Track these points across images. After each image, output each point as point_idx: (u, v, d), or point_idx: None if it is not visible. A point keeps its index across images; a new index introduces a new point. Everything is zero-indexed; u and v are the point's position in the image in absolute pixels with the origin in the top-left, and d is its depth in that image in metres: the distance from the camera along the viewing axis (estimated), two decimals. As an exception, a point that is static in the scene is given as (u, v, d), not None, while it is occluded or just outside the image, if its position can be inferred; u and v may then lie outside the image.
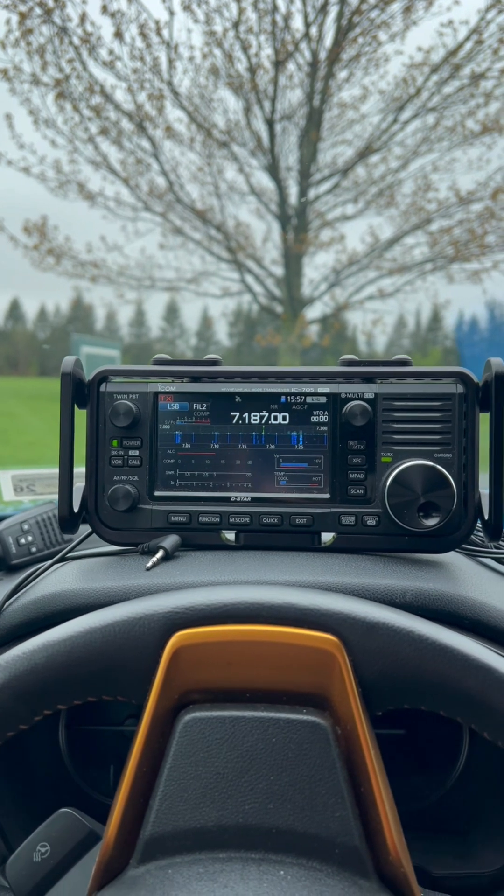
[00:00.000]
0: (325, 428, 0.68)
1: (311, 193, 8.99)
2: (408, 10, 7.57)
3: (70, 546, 0.71)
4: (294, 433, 0.69)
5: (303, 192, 8.84)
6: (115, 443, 0.69)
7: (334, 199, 9.08)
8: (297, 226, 9.01)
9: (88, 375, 0.70)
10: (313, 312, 9.68)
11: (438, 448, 0.67)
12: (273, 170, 8.79)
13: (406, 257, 9.05)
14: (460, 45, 7.65)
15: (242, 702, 0.47)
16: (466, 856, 0.72)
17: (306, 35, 8.01)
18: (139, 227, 9.31)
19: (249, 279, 9.38)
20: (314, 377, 0.69)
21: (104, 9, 7.39)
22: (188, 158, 9.94)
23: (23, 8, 7.21)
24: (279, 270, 9.25)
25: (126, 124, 8.28)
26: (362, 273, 9.26)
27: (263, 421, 0.69)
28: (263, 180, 9.45)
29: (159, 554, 0.64)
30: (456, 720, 0.46)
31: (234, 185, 9.04)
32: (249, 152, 8.76)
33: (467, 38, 7.58)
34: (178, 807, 0.44)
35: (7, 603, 0.65)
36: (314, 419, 0.68)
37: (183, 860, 0.43)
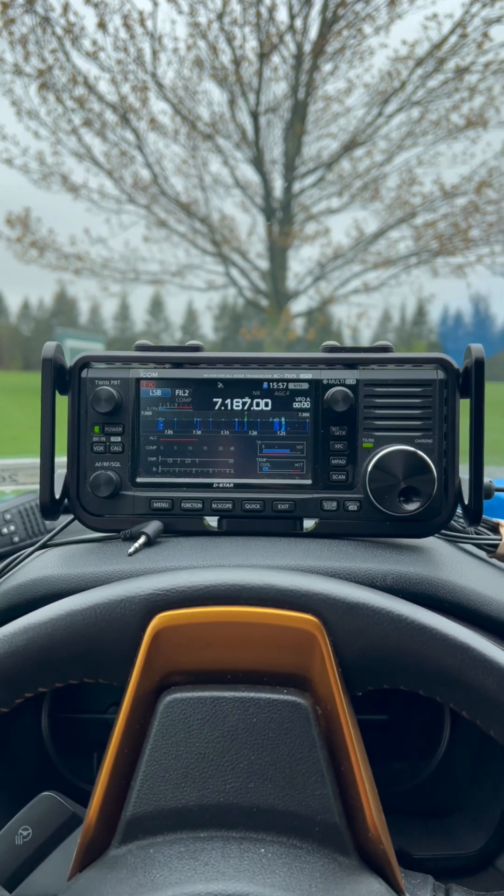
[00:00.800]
0: (307, 414, 0.69)
1: (296, 187, 8.99)
2: (392, 2, 7.57)
3: (52, 533, 0.71)
4: (276, 419, 0.69)
5: (288, 185, 8.83)
6: (96, 429, 0.68)
7: (319, 193, 9.09)
8: (281, 219, 9.01)
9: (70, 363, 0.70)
10: (298, 306, 9.70)
11: (419, 434, 0.67)
12: (258, 163, 8.78)
13: (391, 251, 9.08)
14: (445, 39, 7.67)
15: (224, 683, 0.47)
16: (447, 837, 0.73)
17: (291, 27, 8.00)
18: (123, 219, 9.26)
19: (234, 272, 9.38)
20: (296, 363, 0.69)
21: (87, -1, 7.33)
22: (172, 151, 9.90)
23: (5, -3, 7.13)
24: (264, 264, 9.25)
25: (110, 116, 8.24)
26: (347, 267, 9.29)
27: (246, 407, 0.69)
28: (248, 173, 9.42)
29: (141, 540, 0.64)
30: (435, 699, 0.47)
31: (219, 177, 9.04)
32: (234, 145, 8.74)
33: (451, 32, 7.60)
34: (159, 787, 0.44)
35: (-12, 590, 0.64)
36: (296, 405, 0.69)
37: (164, 839, 0.43)
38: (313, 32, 8.09)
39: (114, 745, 0.46)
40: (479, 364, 0.65)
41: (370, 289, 9.25)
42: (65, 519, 0.73)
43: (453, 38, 7.63)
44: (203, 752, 0.45)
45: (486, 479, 0.70)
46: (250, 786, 0.44)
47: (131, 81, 8.02)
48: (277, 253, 8.98)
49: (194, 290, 9.93)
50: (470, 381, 0.66)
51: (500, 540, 0.74)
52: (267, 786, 0.44)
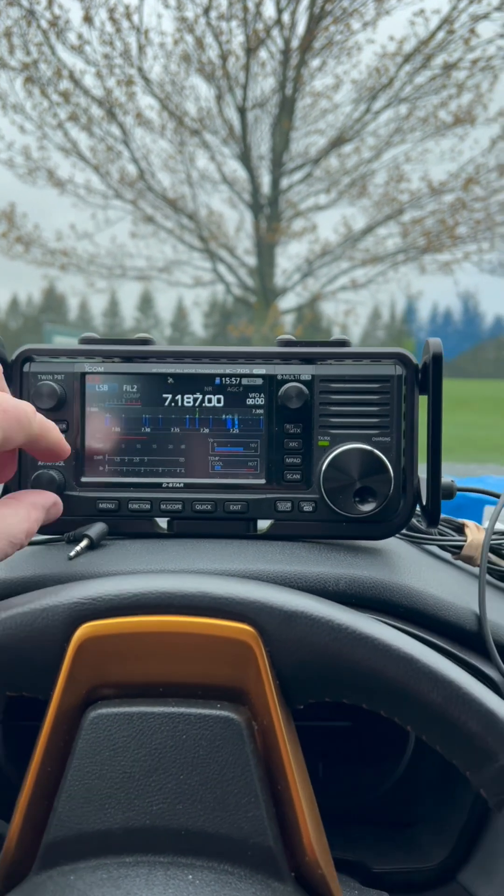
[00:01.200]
0: (261, 411, 0.66)
1: (284, 183, 8.96)
2: (380, -2, 7.55)
3: (-6, 535, 0.68)
4: (229, 416, 0.66)
5: (275, 181, 8.80)
6: None
7: (307, 189, 9.06)
8: (269, 215, 8.97)
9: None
10: (287, 302, 9.67)
11: (377, 431, 0.65)
12: (245, 158, 8.73)
13: (378, 248, 9.07)
14: (432, 35, 7.66)
15: (155, 696, 0.44)
16: (409, 849, 0.70)
17: (278, 22, 7.96)
18: (110, 215, 9.22)
19: (222, 269, 9.34)
20: (250, 358, 0.66)
21: (73, -8, 7.27)
22: (159, 146, 9.85)
23: (-11, -10, 7.06)
24: (252, 260, 9.21)
25: (96, 110, 8.18)
26: (335, 263, 9.27)
27: (197, 403, 0.66)
28: (236, 169, 9.38)
29: (83, 542, 0.61)
30: (380, 713, 0.44)
31: (206, 173, 9.00)
32: (221, 140, 8.70)
33: (439, 28, 7.59)
34: (81, 809, 0.41)
35: None
36: (250, 402, 0.66)
37: (87, 865, 0.41)
38: (301, 27, 8.07)
39: (35, 764, 0.43)
40: (437, 359, 0.62)
41: (358, 285, 9.24)
42: None
43: (441, 34, 7.63)
44: (129, 772, 0.42)
45: (447, 479, 0.67)
46: (178, 807, 0.41)
47: (117, 76, 7.96)
48: (265, 249, 8.95)
49: (181, 286, 9.88)
50: (428, 377, 0.63)
51: (465, 541, 0.71)
52: (196, 807, 0.41)
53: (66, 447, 0.56)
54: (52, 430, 0.53)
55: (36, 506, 0.58)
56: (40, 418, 0.53)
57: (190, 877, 0.40)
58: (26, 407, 0.50)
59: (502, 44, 7.56)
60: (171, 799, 0.41)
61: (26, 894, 0.40)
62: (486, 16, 7.34)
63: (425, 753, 0.74)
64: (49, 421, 0.53)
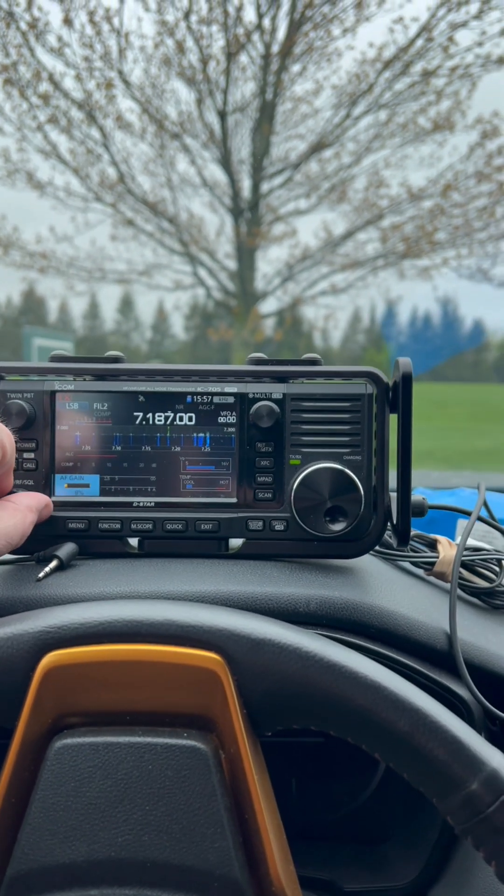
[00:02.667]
0: (232, 429, 0.66)
1: (264, 187, 8.97)
2: (359, 5, 7.59)
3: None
4: (200, 435, 0.66)
5: (255, 185, 8.82)
6: None
7: (287, 194, 9.08)
8: (249, 220, 8.98)
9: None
10: (267, 307, 9.68)
11: (348, 450, 0.65)
12: (225, 163, 8.74)
13: (358, 253, 9.11)
14: (411, 43, 7.71)
15: (122, 725, 0.44)
16: (381, 867, 0.70)
17: (259, 27, 7.98)
18: (90, 217, 9.14)
19: (202, 272, 9.33)
20: (222, 376, 0.66)
21: (52, -6, 7.23)
22: (140, 149, 9.78)
23: (-33, -9, 7.01)
24: (232, 264, 9.21)
25: (76, 113, 8.14)
26: (315, 268, 9.29)
27: (168, 422, 0.66)
28: (216, 173, 9.37)
29: (52, 563, 0.60)
30: (347, 741, 0.44)
31: (187, 177, 8.98)
32: (202, 144, 8.69)
33: (418, 36, 7.64)
34: (45, 841, 0.41)
35: None
36: (221, 420, 0.66)
37: None
38: (281, 33, 8.08)
39: (-1, 795, 0.42)
40: (407, 378, 0.63)
41: (338, 290, 9.27)
42: None
43: (420, 42, 7.68)
44: (94, 803, 0.41)
45: (418, 497, 0.67)
46: (144, 839, 0.41)
47: (97, 79, 7.93)
48: (245, 253, 8.95)
49: (162, 289, 9.85)
50: (398, 395, 0.63)
51: (437, 557, 0.72)
52: (162, 838, 0.41)
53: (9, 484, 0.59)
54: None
55: (31, 508, 0.59)
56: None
57: (155, 909, 0.39)
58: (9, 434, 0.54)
59: (480, 52, 7.59)
60: (137, 830, 0.41)
61: (-11, 929, 0.39)
62: (464, 24, 7.41)
63: (396, 774, 0.74)
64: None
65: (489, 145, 8.22)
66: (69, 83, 8.10)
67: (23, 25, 7.35)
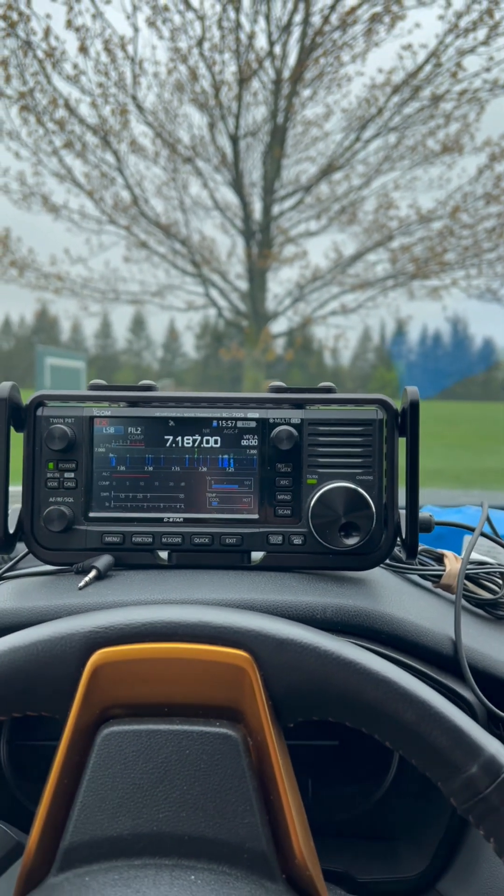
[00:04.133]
0: (254, 451, 0.72)
1: (275, 209, 9.09)
2: (369, 32, 7.73)
3: (7, 566, 0.73)
4: (225, 456, 0.72)
5: (267, 207, 8.94)
6: (50, 465, 0.71)
7: (298, 216, 9.20)
8: (261, 241, 9.10)
9: (52, 386, 0.73)
10: (278, 326, 9.77)
11: (360, 471, 0.70)
12: (237, 185, 8.87)
13: (368, 273, 9.20)
14: (420, 68, 7.83)
15: (161, 716, 0.49)
16: (392, 861, 0.75)
17: (270, 53, 8.13)
18: (103, 240, 9.30)
19: (214, 293, 9.44)
20: (244, 403, 0.72)
21: (69, 23, 7.41)
22: (153, 173, 9.97)
23: (-14, 21, 7.20)
24: (243, 285, 9.32)
25: (90, 138, 8.30)
26: (325, 288, 9.39)
27: (196, 444, 0.72)
28: (228, 196, 9.52)
29: (92, 574, 0.66)
30: (362, 730, 0.49)
31: (199, 199, 9.12)
32: (214, 168, 8.84)
33: (426, 62, 7.76)
34: (95, 817, 0.46)
35: None
36: (244, 443, 0.71)
37: (100, 867, 0.45)
38: (292, 59, 8.24)
39: (54, 776, 0.48)
40: (414, 406, 0.68)
41: (348, 310, 9.36)
42: (20, 549, 0.75)
43: (428, 68, 7.80)
44: (138, 783, 0.47)
45: (425, 514, 0.73)
46: (182, 815, 0.46)
47: (112, 104, 8.10)
48: (257, 274, 9.06)
49: (174, 310, 9.97)
50: (406, 421, 0.69)
51: (444, 571, 0.77)
52: (198, 815, 0.46)
53: None
54: None
55: None
56: None
57: (192, 877, 0.44)
58: None
59: (488, 77, 7.71)
60: (176, 807, 0.46)
61: (46, 894, 0.45)
62: (472, 50, 7.54)
63: (407, 772, 0.79)
64: None
65: (497, 167, 8.32)
66: (84, 109, 8.28)
67: (40, 54, 7.53)
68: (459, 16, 7.35)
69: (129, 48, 7.99)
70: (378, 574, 0.76)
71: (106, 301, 9.63)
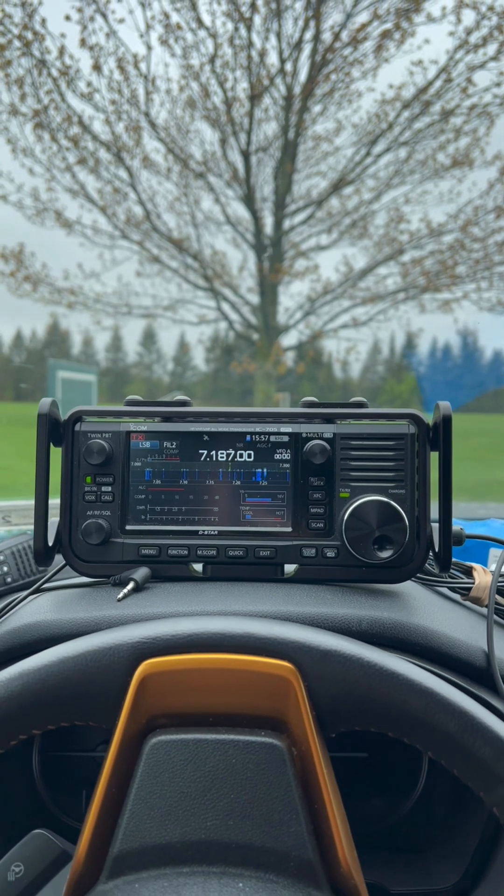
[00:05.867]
0: (287, 465, 0.73)
1: (286, 224, 9.14)
2: (379, 48, 7.79)
3: (45, 577, 0.74)
4: (258, 470, 0.73)
5: (278, 222, 8.99)
6: (88, 479, 0.72)
7: (309, 230, 9.24)
8: (272, 255, 9.14)
9: (63, 408, 0.74)
10: (289, 340, 9.79)
11: (393, 484, 0.71)
12: (249, 200, 8.93)
13: (379, 287, 9.22)
14: (430, 84, 7.89)
15: (206, 725, 0.50)
16: (423, 873, 0.75)
17: (281, 70, 8.21)
18: (116, 255, 9.38)
19: (226, 307, 9.48)
20: (277, 418, 0.73)
21: (83, 42, 7.52)
22: (165, 188, 10.05)
23: (2, 40, 7.31)
24: (255, 298, 9.36)
25: (104, 154, 8.39)
26: (336, 302, 9.41)
27: (230, 458, 0.73)
28: (239, 210, 9.59)
29: (130, 586, 0.67)
30: (403, 740, 0.50)
31: (211, 214, 9.18)
32: (225, 183, 8.90)
33: (437, 77, 7.82)
34: (144, 825, 0.47)
35: (-16, 633, 0.67)
36: (277, 457, 0.73)
37: (149, 875, 0.46)
38: (303, 75, 8.31)
39: (102, 785, 0.49)
40: (447, 420, 0.69)
41: (359, 323, 9.37)
42: (58, 561, 0.77)
43: (438, 83, 7.85)
44: (186, 792, 0.48)
45: (457, 527, 0.74)
46: (230, 823, 0.47)
47: (125, 121, 8.19)
48: (268, 288, 9.10)
49: (186, 323, 10.02)
50: (439, 435, 0.70)
51: (473, 584, 0.78)
52: (245, 823, 0.47)
53: None
54: None
55: None
56: None
57: (240, 885, 0.45)
58: None
59: (498, 92, 7.76)
60: (224, 816, 0.47)
61: (96, 900, 0.45)
62: (482, 65, 7.59)
63: (437, 784, 0.79)
64: None
65: (508, 181, 8.35)
66: (98, 126, 8.38)
67: (54, 72, 7.63)
68: (469, 32, 7.41)
69: (142, 66, 8.08)
70: (409, 587, 0.77)
71: (119, 315, 9.69)
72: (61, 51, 7.51)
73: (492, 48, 7.43)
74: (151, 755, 0.48)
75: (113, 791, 0.49)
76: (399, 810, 0.80)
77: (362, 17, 7.59)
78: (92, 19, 7.40)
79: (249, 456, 0.73)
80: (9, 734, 0.49)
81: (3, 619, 0.70)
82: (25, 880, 0.52)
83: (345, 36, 7.80)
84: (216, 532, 0.72)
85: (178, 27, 7.72)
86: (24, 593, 0.73)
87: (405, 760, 0.80)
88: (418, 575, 0.80)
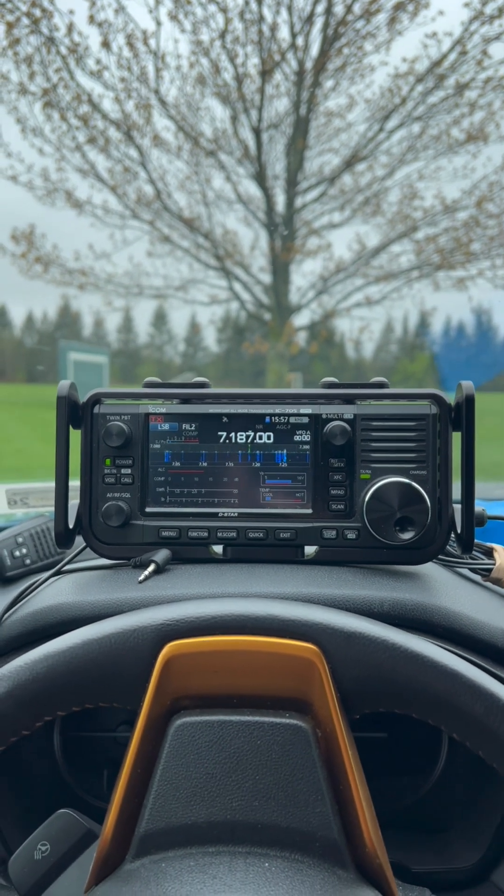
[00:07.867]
0: (307, 447, 0.72)
1: (298, 202, 9.06)
2: (392, 21, 7.65)
3: (66, 560, 0.75)
4: (278, 451, 0.72)
5: (290, 200, 8.91)
6: (108, 462, 0.72)
7: (321, 208, 9.14)
8: (284, 234, 9.07)
9: (81, 391, 0.74)
10: (301, 319, 9.74)
11: (414, 465, 0.71)
12: (260, 178, 8.84)
13: (392, 265, 9.13)
14: (444, 56, 7.74)
15: (230, 707, 0.50)
16: (444, 852, 0.76)
17: (292, 45, 8.08)
18: (127, 235, 9.31)
19: (237, 287, 9.43)
20: (297, 399, 0.73)
21: (91, 19, 7.42)
22: (176, 167, 9.97)
23: (10, 18, 7.23)
24: (267, 278, 9.30)
25: (113, 133, 8.32)
26: (349, 280, 9.33)
27: (249, 440, 0.73)
28: (250, 188, 9.50)
29: (151, 567, 0.67)
30: (427, 722, 0.50)
31: (222, 193, 9.09)
32: (236, 161, 8.81)
33: (451, 50, 7.67)
34: (170, 805, 0.48)
35: (6, 615, 0.68)
36: (297, 438, 0.72)
37: (175, 854, 0.47)
38: (315, 50, 8.17)
39: (128, 766, 0.49)
40: (470, 400, 0.69)
41: (372, 302, 9.29)
42: (78, 543, 0.77)
43: (453, 56, 7.70)
44: (211, 773, 0.48)
45: (478, 508, 0.73)
46: (255, 804, 0.47)
47: (134, 99, 8.11)
48: (280, 267, 9.03)
49: (198, 304, 9.98)
50: (461, 415, 0.69)
51: (495, 564, 0.77)
52: (270, 804, 0.47)
53: None
54: None
55: None
56: None
57: (266, 864, 0.46)
58: None
59: (514, 64, 7.60)
60: (249, 796, 0.47)
61: (123, 879, 0.46)
62: (498, 37, 7.43)
63: (457, 763, 0.79)
64: None
65: (524, 156, 8.21)
66: (107, 104, 8.30)
67: (63, 50, 7.55)
68: (485, 2, 7.25)
69: (152, 42, 7.98)
70: (429, 568, 0.77)
71: (130, 296, 9.66)
72: (70, 28, 7.42)
73: (508, 18, 7.27)
74: (176, 737, 0.49)
75: (139, 772, 0.49)
76: (419, 790, 0.80)
77: (375, -11, 7.45)
78: (101, -5, 7.30)
79: (269, 437, 0.72)
80: (35, 716, 0.50)
81: (24, 600, 0.70)
82: (52, 859, 0.53)
83: (357, 8, 7.65)
84: (236, 514, 0.72)
85: (188, 2, 7.61)
86: (45, 575, 0.74)
87: (425, 740, 0.80)
88: (439, 556, 0.80)
